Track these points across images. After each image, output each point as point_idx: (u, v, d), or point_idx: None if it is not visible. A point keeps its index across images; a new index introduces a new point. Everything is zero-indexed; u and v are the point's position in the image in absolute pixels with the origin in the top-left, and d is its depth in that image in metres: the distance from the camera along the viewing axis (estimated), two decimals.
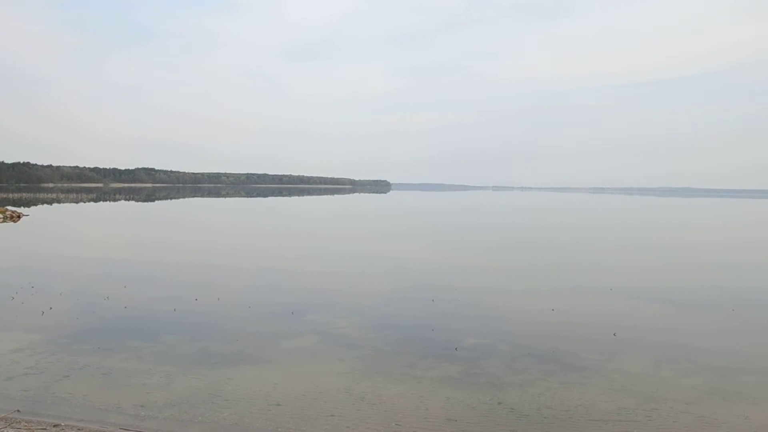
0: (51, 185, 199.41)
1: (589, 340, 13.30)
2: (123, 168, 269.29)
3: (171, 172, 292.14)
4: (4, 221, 44.90)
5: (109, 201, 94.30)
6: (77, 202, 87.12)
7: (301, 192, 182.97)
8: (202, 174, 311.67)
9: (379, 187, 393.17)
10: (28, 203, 77.76)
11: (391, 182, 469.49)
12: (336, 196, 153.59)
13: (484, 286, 20.45)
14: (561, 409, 9.25)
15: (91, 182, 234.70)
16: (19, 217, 48.01)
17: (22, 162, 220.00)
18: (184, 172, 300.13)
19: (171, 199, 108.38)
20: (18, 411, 8.90)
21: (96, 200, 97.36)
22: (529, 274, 23.79)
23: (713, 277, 24.15)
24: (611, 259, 29.18)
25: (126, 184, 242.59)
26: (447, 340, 13.04)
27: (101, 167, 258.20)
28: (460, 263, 26.71)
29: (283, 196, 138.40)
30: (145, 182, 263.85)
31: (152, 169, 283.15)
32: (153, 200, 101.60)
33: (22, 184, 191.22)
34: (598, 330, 14.20)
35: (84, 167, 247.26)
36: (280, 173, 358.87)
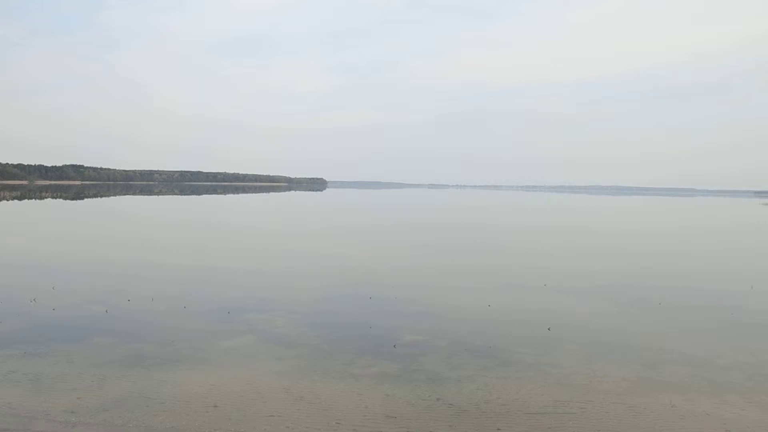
0: None
1: (524, 335, 13.57)
2: (50, 165, 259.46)
3: (101, 169, 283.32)
4: None
5: (35, 199, 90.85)
6: None
7: (236, 190, 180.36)
8: (134, 171, 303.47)
9: (316, 184, 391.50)
10: None
11: (327, 180, 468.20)
12: (272, 193, 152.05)
13: (421, 283, 20.60)
14: (498, 403, 9.41)
15: (14, 179, 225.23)
16: None
17: None
18: (115, 170, 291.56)
19: (102, 197, 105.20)
20: None
21: (20, 198, 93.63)
22: (465, 271, 24.09)
23: (641, 271, 24.98)
24: (544, 256, 29.83)
25: (53, 182, 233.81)
26: (385, 338, 13.09)
27: (25, 164, 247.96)
28: (397, 261, 26.84)
29: (218, 193, 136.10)
30: (74, 180, 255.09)
31: (81, 166, 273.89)
32: (82, 198, 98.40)
33: None
34: (533, 325, 14.50)
35: (6, 163, 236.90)
36: (214, 171, 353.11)
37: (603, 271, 24.72)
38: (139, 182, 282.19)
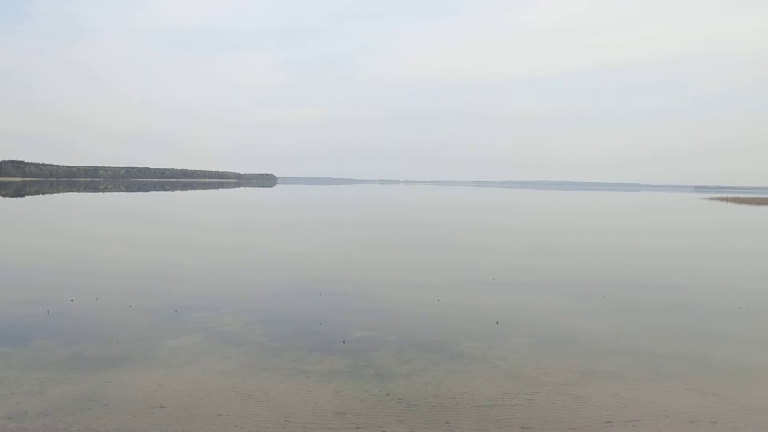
0: None
1: (473, 329, 13.72)
2: None
3: (43, 165, 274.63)
4: None
5: None
6: None
7: (184, 186, 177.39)
8: (78, 168, 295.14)
9: (265, 180, 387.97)
10: None
11: (277, 176, 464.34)
12: (221, 190, 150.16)
13: (371, 278, 20.65)
14: (447, 397, 9.49)
15: None
16: None
17: None
18: (57, 166, 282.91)
19: (44, 194, 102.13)
20: None
21: None
22: (415, 266, 24.20)
23: (587, 265, 25.54)
24: (493, 252, 30.20)
25: None
26: (334, 334, 13.07)
27: None
28: (347, 256, 26.82)
29: (166, 190, 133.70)
30: (14, 176, 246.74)
31: (21, 162, 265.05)
32: (23, 195, 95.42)
33: None
34: (482, 319, 14.67)
35: None
36: (162, 167, 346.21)
37: (550, 266, 25.14)
38: (83, 179, 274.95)
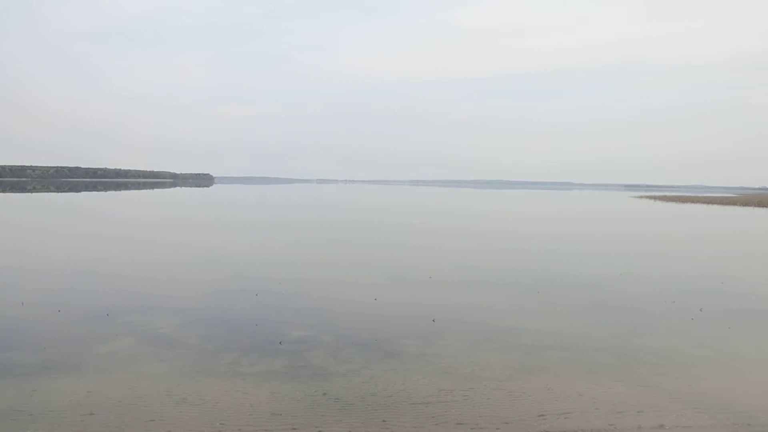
0: None
1: (410, 327, 13.81)
2: None
3: None
4: None
5: None
6: None
7: (118, 186, 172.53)
8: (3, 167, 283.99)
9: (202, 180, 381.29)
10: None
11: (214, 175, 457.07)
12: (156, 190, 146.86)
13: (309, 277, 20.55)
14: (384, 395, 9.54)
15: None
16: None
17: None
18: None
19: None
20: None
21: None
22: (353, 265, 24.24)
23: (522, 261, 26.05)
24: (428, 250, 30.47)
25: None
26: (271, 334, 12.96)
27: None
28: (285, 256, 26.61)
29: (98, 190, 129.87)
30: None
31: None
32: None
33: None
34: (419, 317, 14.79)
35: None
36: (94, 167, 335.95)
37: (485, 264, 25.55)
38: (9, 178, 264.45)
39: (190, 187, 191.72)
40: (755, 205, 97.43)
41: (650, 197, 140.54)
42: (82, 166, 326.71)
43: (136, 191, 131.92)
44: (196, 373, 10.51)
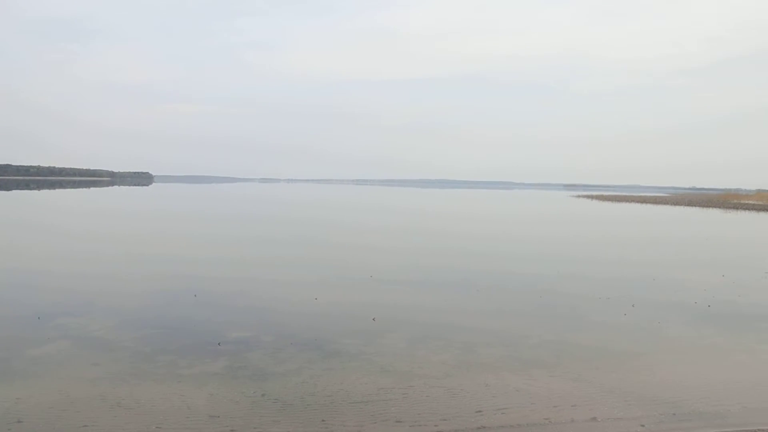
0: None
1: (350, 326, 13.84)
2: None
3: None
4: None
5: None
6: None
7: (52, 185, 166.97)
8: None
9: (141, 179, 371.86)
10: None
11: (154, 174, 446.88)
12: (93, 189, 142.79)
13: (248, 277, 20.35)
14: (323, 395, 9.54)
15: None
16: None
17: None
18: None
19: None
20: None
21: None
22: (293, 264, 24.10)
23: (461, 260, 26.36)
24: (370, 249, 30.55)
25: None
26: (210, 335, 12.78)
27: None
28: (224, 256, 26.17)
29: (31, 189, 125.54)
30: None
31: None
32: None
33: None
34: (359, 316, 14.82)
35: None
36: (26, 164, 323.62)
37: (425, 263, 25.76)
38: None
39: (129, 185, 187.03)
40: (685, 204, 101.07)
41: (588, 196, 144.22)
42: (13, 164, 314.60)
43: (72, 190, 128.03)
44: (132, 376, 10.29)
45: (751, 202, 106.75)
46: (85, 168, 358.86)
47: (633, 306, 16.60)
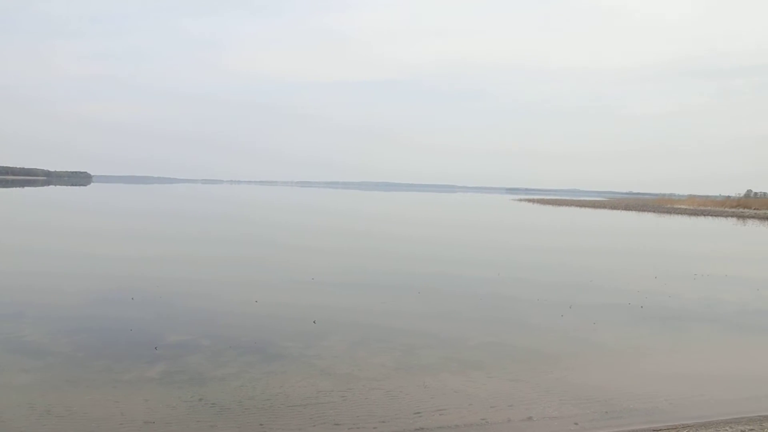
0: None
1: (291, 329, 13.76)
2: None
3: None
4: None
5: None
6: None
7: None
8: None
9: (79, 179, 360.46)
10: None
11: (93, 174, 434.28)
12: (27, 188, 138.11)
13: (187, 280, 19.99)
14: (262, 398, 9.46)
15: None
16: None
17: None
18: None
19: None
20: None
21: None
22: (233, 266, 23.81)
23: (403, 263, 26.50)
24: (312, 251, 30.44)
25: None
26: (147, 340, 12.51)
27: None
28: (162, 258, 25.56)
29: None
30: None
31: None
32: None
33: None
34: (300, 319, 14.72)
35: None
36: None
37: (369, 265, 25.83)
38: None
39: (66, 185, 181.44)
40: (622, 209, 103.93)
41: (529, 200, 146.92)
42: None
43: (3, 189, 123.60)
44: (64, 382, 10.00)
45: (683, 206, 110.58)
46: (18, 167, 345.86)
47: (570, 308, 16.99)
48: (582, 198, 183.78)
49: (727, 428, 8.75)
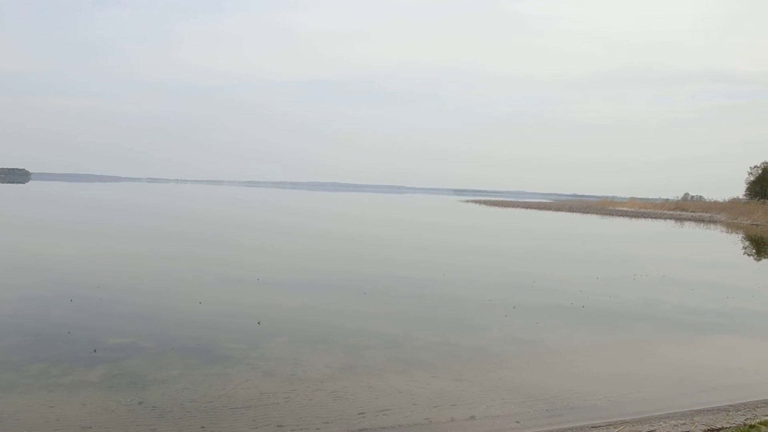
0: None
1: (235, 331, 13.62)
2: None
3: None
4: None
5: None
6: None
7: None
8: None
9: (15, 176, 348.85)
10: None
11: (31, 171, 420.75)
12: None
13: (129, 281, 19.52)
14: (204, 401, 9.33)
15: None
16: None
17: None
18: None
19: None
20: None
21: None
22: (175, 266, 23.40)
23: (349, 264, 26.53)
24: (257, 251, 30.19)
25: None
26: (85, 342, 12.18)
27: None
28: (103, 258, 24.93)
29: None
30: None
31: None
32: None
33: None
34: (245, 320, 14.58)
35: None
36: None
37: (313, 266, 25.69)
38: None
39: (2, 183, 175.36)
40: (566, 210, 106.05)
41: (476, 201, 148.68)
42: None
43: None
44: None
45: (624, 209, 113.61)
46: None
47: (514, 308, 17.24)
48: (527, 200, 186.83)
49: (662, 423, 9.03)
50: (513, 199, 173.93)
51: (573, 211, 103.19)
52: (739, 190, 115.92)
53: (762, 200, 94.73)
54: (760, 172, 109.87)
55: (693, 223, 77.56)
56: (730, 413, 9.58)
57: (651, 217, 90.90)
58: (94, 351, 11.64)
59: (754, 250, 44.48)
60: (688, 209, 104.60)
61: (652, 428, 8.77)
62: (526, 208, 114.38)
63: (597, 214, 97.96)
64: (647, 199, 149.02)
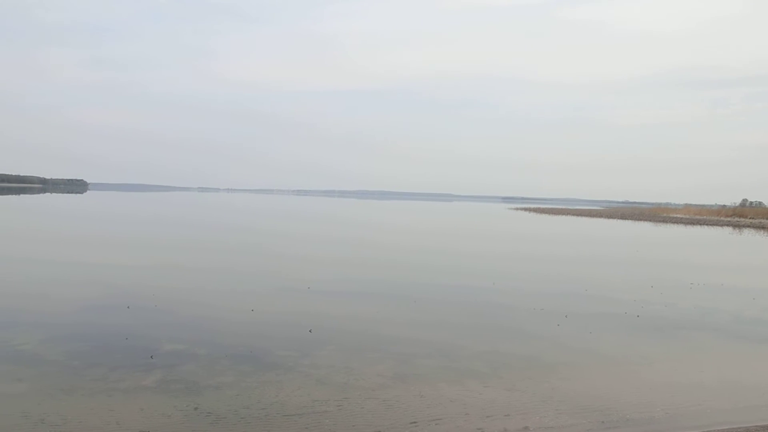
0: None
1: (286, 338, 13.74)
2: None
3: None
4: None
5: None
6: None
7: None
8: None
9: (75, 186, 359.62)
10: None
11: (89, 182, 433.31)
12: (22, 196, 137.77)
13: (183, 289, 19.93)
14: (258, 408, 9.43)
15: None
16: None
17: None
18: None
19: None
20: None
21: None
22: (229, 275, 23.75)
23: (399, 272, 26.51)
24: (307, 260, 30.42)
25: None
26: (142, 349, 12.47)
27: None
28: (158, 267, 25.53)
29: None
30: None
31: None
32: None
33: None
34: (296, 327, 14.71)
35: None
36: None
37: (364, 275, 25.80)
38: None
39: (62, 193, 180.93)
40: (618, 218, 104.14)
41: (525, 209, 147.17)
42: None
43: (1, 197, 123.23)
44: (59, 391, 9.96)
45: (679, 215, 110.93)
46: (14, 174, 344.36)
47: (566, 317, 16.99)
48: (578, 207, 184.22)
49: None
50: (563, 207, 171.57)
51: (625, 219, 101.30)
52: None
53: None
54: None
55: (752, 230, 75.28)
56: None
57: (707, 224, 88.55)
58: (151, 357, 11.90)
59: None
60: (747, 216, 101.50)
61: None
62: (577, 215, 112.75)
63: (650, 221, 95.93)
64: (703, 205, 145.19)
